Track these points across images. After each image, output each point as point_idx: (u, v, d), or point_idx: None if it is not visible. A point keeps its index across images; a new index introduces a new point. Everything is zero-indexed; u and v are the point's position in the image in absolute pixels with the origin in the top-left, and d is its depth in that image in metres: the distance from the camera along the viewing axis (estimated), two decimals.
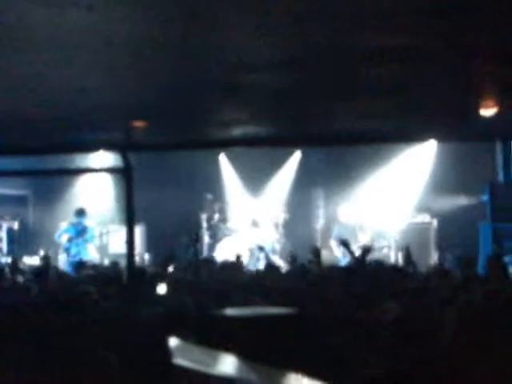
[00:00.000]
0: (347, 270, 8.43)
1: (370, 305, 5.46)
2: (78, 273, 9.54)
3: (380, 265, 8.90)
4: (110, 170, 11.97)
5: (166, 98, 8.44)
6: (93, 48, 6.28)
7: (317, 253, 9.44)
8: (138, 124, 9.66)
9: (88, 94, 7.94)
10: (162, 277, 7.66)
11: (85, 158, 14.24)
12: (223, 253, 14.37)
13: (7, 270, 10.73)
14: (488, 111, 10.14)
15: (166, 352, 2.76)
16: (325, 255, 14.41)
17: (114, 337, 3.14)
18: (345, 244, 9.71)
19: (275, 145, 10.85)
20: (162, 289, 6.47)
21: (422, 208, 15.02)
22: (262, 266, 11.44)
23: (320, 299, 6.08)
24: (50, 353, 3.63)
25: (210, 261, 11.08)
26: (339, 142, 10.42)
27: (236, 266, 9.93)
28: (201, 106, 9.07)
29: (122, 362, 2.78)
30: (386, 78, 8.13)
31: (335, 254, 14.24)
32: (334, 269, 9.44)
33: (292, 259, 9.93)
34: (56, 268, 10.33)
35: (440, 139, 14.13)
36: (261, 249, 9.98)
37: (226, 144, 12.51)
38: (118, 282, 7.06)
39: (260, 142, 10.18)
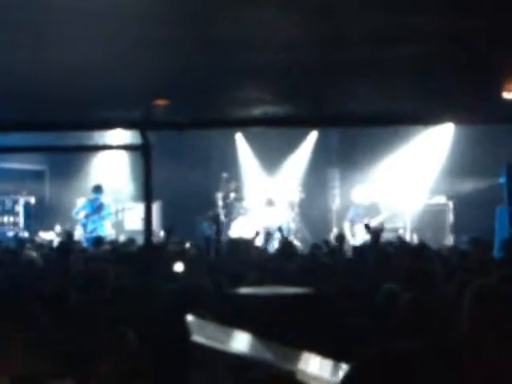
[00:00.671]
0: (360, 251, 8.44)
1: (381, 287, 5.47)
2: (97, 249, 9.63)
3: (396, 247, 8.91)
4: (129, 148, 12.00)
5: (186, 77, 8.45)
6: (114, 26, 6.29)
7: (341, 239, 9.42)
8: (158, 102, 9.67)
9: (108, 72, 7.96)
10: (178, 254, 7.70)
11: (102, 135, 14.27)
12: (238, 231, 14.41)
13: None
14: (510, 94, 10.09)
15: (184, 329, 2.79)
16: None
17: (133, 313, 3.18)
18: (368, 227, 9.66)
19: (295, 125, 10.79)
20: (178, 267, 6.50)
21: (439, 190, 14.98)
22: (276, 245, 11.45)
23: (334, 280, 6.10)
24: (69, 329, 3.67)
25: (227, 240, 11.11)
26: (358, 123, 10.36)
27: (251, 244, 9.95)
28: (221, 84, 9.07)
29: (141, 338, 2.82)
30: (407, 60, 8.09)
31: (347, 235, 14.25)
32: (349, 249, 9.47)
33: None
34: (79, 243, 10.43)
35: (459, 122, 14.03)
36: (280, 230, 9.96)
37: (245, 123, 12.48)
38: (135, 259, 7.11)
39: (279, 121, 10.14)
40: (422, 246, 8.73)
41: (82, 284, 5.36)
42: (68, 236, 9.52)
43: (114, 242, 10.56)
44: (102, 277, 5.42)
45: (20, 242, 10.77)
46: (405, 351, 1.84)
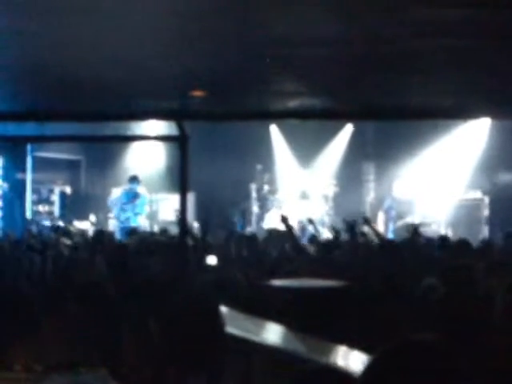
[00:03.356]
0: (392, 245, 8.41)
1: (413, 280, 5.45)
2: (130, 239, 9.69)
3: (428, 241, 8.86)
4: (166, 139, 12.03)
5: (224, 69, 8.46)
6: (153, 18, 6.33)
7: (368, 221, 9.40)
8: (195, 93, 9.68)
9: (146, 62, 8.00)
10: (211, 246, 7.73)
11: (137, 126, 14.33)
12: (271, 224, 14.42)
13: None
14: None
15: (219, 320, 2.81)
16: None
17: (165, 304, 3.21)
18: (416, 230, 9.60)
19: (332, 118, 10.74)
20: (211, 258, 6.52)
21: (474, 185, 14.85)
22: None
23: (365, 272, 6.09)
24: (101, 319, 3.71)
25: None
26: (394, 117, 10.30)
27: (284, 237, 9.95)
28: (258, 77, 9.06)
29: (171, 328, 2.84)
30: (445, 54, 8.02)
31: (380, 229, 14.20)
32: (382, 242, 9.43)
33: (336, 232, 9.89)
34: (111, 234, 10.49)
35: (497, 116, 13.86)
36: (310, 221, 9.95)
37: (281, 116, 12.45)
38: (169, 249, 7.16)
39: (315, 114, 10.10)
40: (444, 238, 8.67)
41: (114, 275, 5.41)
42: (99, 232, 9.51)
43: (146, 233, 10.59)
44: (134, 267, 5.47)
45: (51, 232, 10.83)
46: (428, 342, 1.82)
